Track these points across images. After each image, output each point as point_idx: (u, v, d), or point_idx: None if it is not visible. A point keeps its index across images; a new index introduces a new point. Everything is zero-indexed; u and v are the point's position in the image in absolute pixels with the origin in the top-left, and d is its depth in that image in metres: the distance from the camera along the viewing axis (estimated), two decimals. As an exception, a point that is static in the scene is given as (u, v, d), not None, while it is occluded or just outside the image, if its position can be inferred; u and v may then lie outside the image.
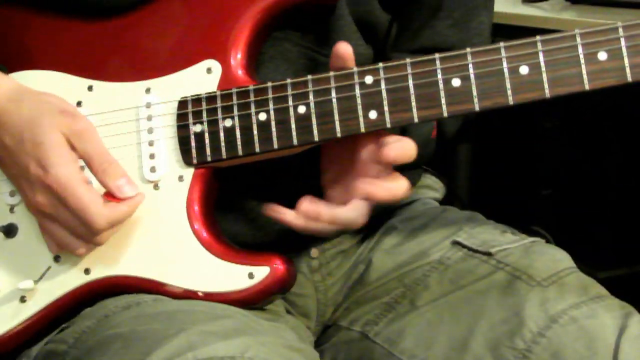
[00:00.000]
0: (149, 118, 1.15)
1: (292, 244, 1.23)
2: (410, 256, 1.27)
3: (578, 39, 1.02)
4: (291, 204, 1.19)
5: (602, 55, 1.01)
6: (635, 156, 2.33)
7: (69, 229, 1.12)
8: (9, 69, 1.20)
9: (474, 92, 1.05)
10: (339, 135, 1.09)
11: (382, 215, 1.32)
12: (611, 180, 2.42)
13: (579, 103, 2.17)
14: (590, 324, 1.11)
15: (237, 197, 1.17)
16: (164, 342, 1.01)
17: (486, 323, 1.15)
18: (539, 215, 2.22)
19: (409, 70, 1.07)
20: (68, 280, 1.16)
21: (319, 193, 1.17)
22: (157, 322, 1.06)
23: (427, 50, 1.21)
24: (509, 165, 2.08)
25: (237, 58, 1.14)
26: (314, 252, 1.28)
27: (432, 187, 1.41)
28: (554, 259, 1.21)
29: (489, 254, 1.22)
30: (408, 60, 1.08)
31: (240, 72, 1.14)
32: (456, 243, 1.26)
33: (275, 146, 1.11)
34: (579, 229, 2.39)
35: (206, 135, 1.13)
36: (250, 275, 1.11)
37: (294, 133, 1.10)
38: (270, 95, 1.11)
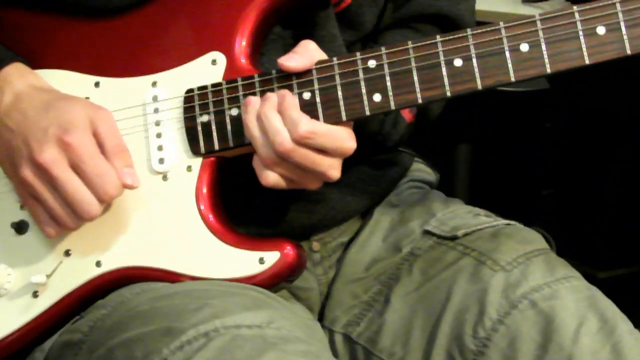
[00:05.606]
0: (156, 111, 1.17)
1: (294, 237, 1.22)
2: (384, 251, 1.26)
3: (577, 16, 1.04)
4: (295, 196, 1.21)
5: (601, 30, 1.03)
6: (635, 156, 2.35)
7: (65, 196, 1.10)
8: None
9: (476, 71, 1.06)
10: (344, 119, 1.10)
11: (373, 199, 1.31)
12: (611, 181, 2.44)
13: (579, 103, 2.19)
14: (550, 306, 1.08)
15: (241, 190, 1.18)
16: (188, 314, 1.02)
17: (451, 313, 1.13)
18: (539, 215, 2.23)
19: (412, 53, 1.09)
20: (80, 273, 1.16)
21: (324, 183, 1.19)
22: (177, 299, 1.07)
23: (414, 19, 1.22)
24: (509, 164, 2.09)
25: (242, 49, 1.15)
26: (316, 245, 1.28)
27: (424, 171, 1.40)
28: (522, 240, 1.17)
29: (455, 238, 1.20)
30: (410, 43, 1.09)
31: (244, 62, 1.15)
32: (426, 232, 1.24)
33: None
34: (579, 228, 2.40)
35: (213, 124, 1.14)
36: (261, 261, 1.12)
37: None
38: (275, 85, 1.12)
